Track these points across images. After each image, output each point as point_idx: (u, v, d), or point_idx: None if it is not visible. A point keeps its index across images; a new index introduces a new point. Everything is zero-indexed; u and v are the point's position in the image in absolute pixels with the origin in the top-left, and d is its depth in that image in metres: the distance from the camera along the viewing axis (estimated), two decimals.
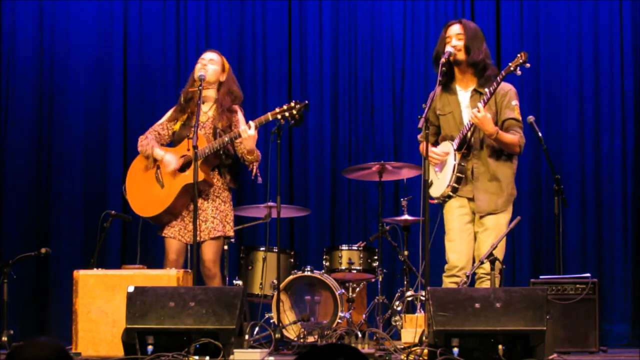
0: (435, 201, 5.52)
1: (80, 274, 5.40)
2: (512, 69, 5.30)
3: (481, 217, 5.37)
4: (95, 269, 5.52)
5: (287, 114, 5.54)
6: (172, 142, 5.80)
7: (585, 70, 7.75)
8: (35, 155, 7.77)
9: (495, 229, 5.33)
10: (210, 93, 5.81)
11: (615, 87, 7.70)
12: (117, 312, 5.19)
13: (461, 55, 5.39)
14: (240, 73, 7.92)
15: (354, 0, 8.01)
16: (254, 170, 5.72)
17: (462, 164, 5.36)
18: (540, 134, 6.41)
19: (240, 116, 5.79)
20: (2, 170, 7.76)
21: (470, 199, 5.39)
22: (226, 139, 5.58)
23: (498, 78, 5.30)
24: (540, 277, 6.06)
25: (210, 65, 5.77)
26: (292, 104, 5.56)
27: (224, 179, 5.74)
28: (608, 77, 7.72)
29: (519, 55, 5.33)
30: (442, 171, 5.44)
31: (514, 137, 5.37)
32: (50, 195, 7.74)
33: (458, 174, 5.35)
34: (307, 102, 5.62)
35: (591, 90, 7.74)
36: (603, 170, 7.66)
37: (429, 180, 5.50)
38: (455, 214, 5.40)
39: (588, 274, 5.94)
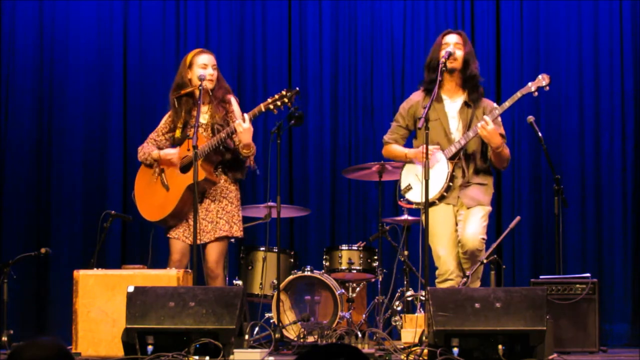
0: (414, 206, 5.55)
1: (80, 274, 5.40)
2: (532, 89, 5.35)
3: (469, 207, 5.42)
4: (95, 269, 5.51)
5: (278, 102, 5.47)
6: (175, 147, 5.75)
7: (585, 70, 7.75)
8: (35, 155, 7.77)
9: (480, 212, 5.42)
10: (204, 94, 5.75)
11: (615, 87, 7.70)
12: (117, 312, 5.19)
13: (457, 64, 5.42)
14: (240, 73, 7.93)
15: (354, 0, 8.01)
16: (252, 164, 5.67)
17: (454, 173, 5.40)
18: (540, 134, 6.40)
19: (235, 106, 5.73)
20: (2, 170, 7.75)
21: (454, 205, 5.44)
22: (223, 135, 5.51)
23: (516, 95, 5.34)
24: (540, 277, 6.07)
25: (214, 71, 5.69)
26: (283, 92, 5.49)
27: (228, 175, 5.69)
28: (608, 77, 7.72)
29: (540, 77, 5.36)
30: (423, 176, 5.39)
31: (508, 152, 5.46)
32: (50, 195, 7.74)
33: (450, 183, 5.39)
34: (297, 89, 5.56)
35: (591, 91, 7.73)
36: (603, 170, 7.66)
37: (408, 185, 5.53)
38: (441, 220, 5.45)
39: (588, 274, 5.94)
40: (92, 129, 7.83)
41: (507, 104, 5.37)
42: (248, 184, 7.61)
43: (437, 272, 5.43)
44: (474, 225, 5.36)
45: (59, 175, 7.76)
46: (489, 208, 5.52)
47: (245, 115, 5.47)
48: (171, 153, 5.64)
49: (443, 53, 5.37)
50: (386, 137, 5.71)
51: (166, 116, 5.79)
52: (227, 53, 7.87)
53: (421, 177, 5.28)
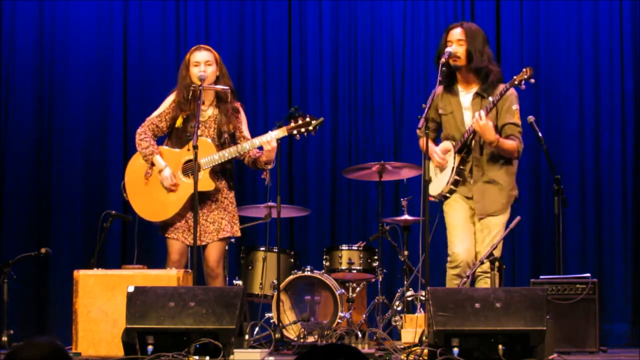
0: (432, 199, 5.55)
1: (80, 274, 5.40)
2: (516, 82, 5.34)
3: (480, 218, 5.39)
4: (95, 269, 5.51)
5: (303, 129, 5.59)
6: (175, 140, 5.72)
7: (585, 70, 7.75)
8: (35, 156, 7.76)
9: (494, 229, 5.37)
10: (209, 92, 5.76)
11: (615, 87, 7.70)
12: (117, 312, 5.19)
13: (461, 62, 5.41)
14: (240, 73, 7.93)
15: (354, 0, 8.01)
16: (267, 177, 5.74)
17: (461, 167, 5.40)
18: (540, 134, 6.41)
19: (242, 116, 5.78)
20: (2, 170, 7.75)
21: (469, 198, 5.43)
22: (234, 152, 5.56)
23: (501, 89, 5.31)
24: (540, 277, 6.06)
25: (208, 67, 5.70)
26: (308, 119, 5.59)
27: (230, 184, 5.71)
28: (608, 77, 7.72)
29: (524, 70, 5.34)
30: (441, 171, 5.48)
31: (513, 144, 5.40)
32: (50, 195, 7.73)
33: (456, 177, 5.40)
34: (322, 118, 5.67)
35: (591, 91, 7.73)
36: (603, 170, 7.66)
37: (429, 178, 5.52)
38: (458, 208, 5.46)
39: (588, 274, 5.94)
40: (92, 129, 7.82)
41: (496, 98, 5.35)
42: (248, 184, 7.61)
43: (449, 259, 5.44)
44: (485, 247, 5.34)
45: (59, 175, 7.75)
46: (503, 217, 5.43)
47: (271, 133, 5.55)
48: (166, 179, 5.60)
49: (444, 54, 5.37)
50: (418, 131, 5.70)
51: (170, 101, 5.76)
52: (227, 53, 7.86)
53: (437, 171, 5.50)
